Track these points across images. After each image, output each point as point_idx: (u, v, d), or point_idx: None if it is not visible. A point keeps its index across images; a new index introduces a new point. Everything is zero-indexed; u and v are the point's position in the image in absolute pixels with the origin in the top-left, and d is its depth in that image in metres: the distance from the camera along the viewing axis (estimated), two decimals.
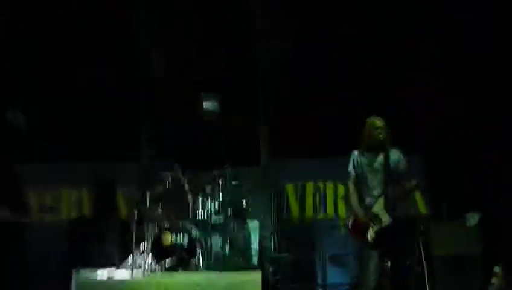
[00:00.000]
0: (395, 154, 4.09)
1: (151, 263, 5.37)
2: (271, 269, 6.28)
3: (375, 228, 3.90)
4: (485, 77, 6.36)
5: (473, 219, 5.56)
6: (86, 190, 7.10)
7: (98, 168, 7.00)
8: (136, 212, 5.98)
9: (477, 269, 5.28)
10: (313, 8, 6.81)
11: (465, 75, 6.49)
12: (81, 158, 6.98)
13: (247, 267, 5.54)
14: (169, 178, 5.82)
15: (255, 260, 6.25)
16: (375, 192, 4.02)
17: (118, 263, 5.45)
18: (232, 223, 5.84)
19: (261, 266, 6.03)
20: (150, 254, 5.42)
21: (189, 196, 5.96)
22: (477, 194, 6.06)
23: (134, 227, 5.70)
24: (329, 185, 7.21)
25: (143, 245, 5.60)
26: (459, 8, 6.29)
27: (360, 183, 4.12)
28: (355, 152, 4.19)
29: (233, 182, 6.20)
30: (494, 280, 5.14)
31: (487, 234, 5.42)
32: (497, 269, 5.20)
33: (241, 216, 6.17)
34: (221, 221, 5.78)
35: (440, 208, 6.11)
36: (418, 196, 6.86)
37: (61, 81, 6.97)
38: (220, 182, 5.94)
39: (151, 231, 5.65)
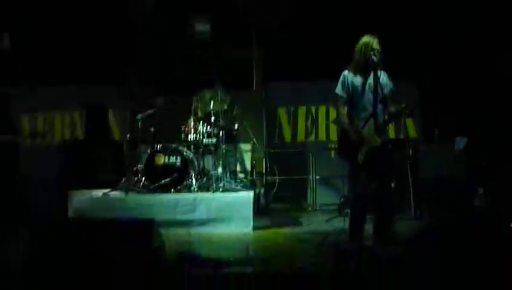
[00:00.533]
0: (384, 77, 4.03)
1: (145, 182, 5.49)
2: (262, 190, 6.44)
3: (365, 148, 3.92)
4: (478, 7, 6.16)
5: (461, 142, 5.64)
6: (79, 113, 7.08)
7: (90, 91, 6.93)
8: (128, 135, 6.05)
9: (463, 190, 5.44)
10: None
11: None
12: (73, 81, 6.90)
13: (239, 188, 5.68)
14: (161, 101, 5.78)
15: (246, 181, 6.42)
16: (364, 113, 4.00)
17: (113, 184, 5.57)
18: (224, 145, 5.90)
19: (252, 187, 6.19)
20: (143, 174, 5.53)
21: (182, 118, 5.97)
22: (466, 120, 6.10)
23: (127, 149, 5.78)
24: (322, 109, 7.22)
25: (136, 166, 5.71)
26: None
27: (350, 104, 4.09)
28: (346, 72, 4.10)
29: (226, 105, 6.20)
30: (476, 201, 5.32)
31: (472, 157, 5.52)
32: (480, 190, 5.37)
33: (233, 139, 6.23)
34: (214, 143, 5.84)
35: (430, 132, 6.17)
36: (408, 120, 6.92)
37: (53, 5, 6.71)
38: (212, 105, 5.93)
39: (144, 152, 5.72)
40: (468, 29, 6.35)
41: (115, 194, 5.38)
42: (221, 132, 5.84)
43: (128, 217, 4.72)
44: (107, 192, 5.38)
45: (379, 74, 3.98)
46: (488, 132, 5.77)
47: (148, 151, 5.61)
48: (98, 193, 5.37)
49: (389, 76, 4.08)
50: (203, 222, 5.03)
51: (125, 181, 5.54)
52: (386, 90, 3.96)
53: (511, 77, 5.92)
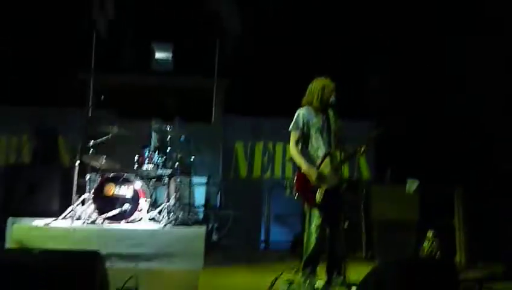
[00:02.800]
0: (338, 117, 4.12)
1: (92, 213, 5.24)
2: (215, 225, 6.31)
3: (322, 189, 3.95)
4: (432, 49, 6.50)
5: (412, 185, 5.78)
6: (26, 136, 6.76)
7: (40, 114, 6.66)
8: (78, 162, 5.81)
9: (412, 232, 5.54)
10: None
11: (412, 45, 6.61)
12: (22, 103, 6.62)
13: (192, 222, 5.54)
14: (115, 128, 5.61)
15: (199, 215, 6.28)
16: (320, 152, 4.05)
17: (57, 213, 5.28)
18: (179, 177, 5.77)
19: (205, 221, 6.05)
20: (91, 204, 5.29)
21: (137, 148, 5.81)
22: (417, 163, 6.29)
23: (76, 176, 5.53)
24: (279, 146, 7.26)
25: (84, 195, 5.46)
26: None
27: (305, 142, 4.12)
28: (303, 110, 4.16)
29: (183, 136, 6.11)
30: (425, 244, 5.42)
31: (423, 200, 5.67)
32: (429, 233, 5.48)
33: (188, 171, 6.12)
34: (168, 175, 5.70)
35: (383, 173, 6.31)
36: (362, 160, 7.06)
37: (7, 24, 6.50)
38: (169, 136, 5.83)
39: (93, 181, 5.49)
40: (420, 70, 6.63)
41: (59, 224, 5.10)
42: (176, 164, 5.72)
43: (71, 249, 4.44)
44: (51, 221, 5.08)
45: (334, 113, 4.08)
46: (441, 174, 5.95)
47: (98, 179, 5.39)
48: (40, 222, 5.07)
49: (340, 116, 4.18)
50: (151, 257, 4.83)
51: (71, 211, 5.27)
52: (340, 130, 4.05)
53: (462, 119, 6.17)
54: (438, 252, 5.33)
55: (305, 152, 4.10)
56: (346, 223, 4.70)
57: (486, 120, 5.92)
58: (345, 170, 3.99)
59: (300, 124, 4.10)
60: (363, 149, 4.02)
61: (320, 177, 3.98)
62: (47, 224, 5.03)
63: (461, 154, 6.02)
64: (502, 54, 5.89)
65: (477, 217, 5.30)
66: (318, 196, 3.95)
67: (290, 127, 4.14)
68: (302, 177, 4.07)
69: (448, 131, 6.31)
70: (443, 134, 6.37)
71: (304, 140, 4.12)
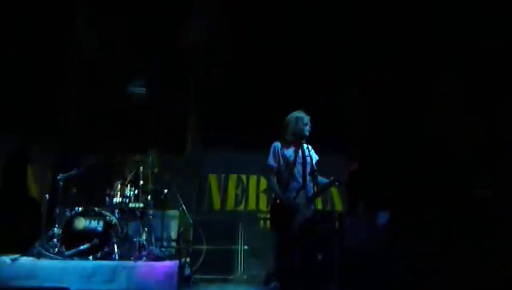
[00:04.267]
0: (311, 150, 4.21)
1: (60, 248, 5.08)
2: (188, 260, 6.21)
3: (298, 220, 3.97)
4: (406, 80, 6.73)
5: (384, 217, 5.87)
6: None
7: (10, 144, 6.50)
8: (47, 194, 5.67)
9: (385, 264, 5.58)
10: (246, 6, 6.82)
11: (386, 76, 6.84)
12: None
13: (164, 257, 5.44)
14: (87, 161, 5.54)
15: (172, 249, 6.17)
16: (295, 185, 4.10)
17: (25, 248, 5.10)
18: (151, 211, 5.69)
19: (178, 256, 5.95)
20: (60, 238, 5.14)
21: (107, 181, 5.72)
22: (389, 195, 6.42)
23: (44, 209, 5.39)
24: (252, 178, 7.29)
25: (52, 229, 5.30)
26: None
27: (280, 175, 4.17)
28: (277, 144, 4.23)
29: (155, 169, 6.06)
30: (400, 275, 5.47)
31: (395, 232, 5.75)
32: (402, 264, 5.54)
33: (161, 204, 6.05)
34: (140, 208, 5.62)
35: (355, 205, 6.40)
36: (334, 192, 7.16)
37: None
38: (142, 169, 5.77)
39: (62, 214, 5.35)
40: (393, 103, 6.83)
41: (26, 259, 4.91)
42: (149, 197, 5.65)
43: (39, 287, 4.28)
44: (17, 257, 4.89)
45: (308, 146, 4.16)
46: (411, 206, 6.07)
47: (68, 213, 5.26)
48: (6, 258, 4.88)
49: (315, 147, 4.27)
50: None
51: (38, 245, 5.10)
52: (314, 162, 4.12)
53: (434, 151, 6.34)
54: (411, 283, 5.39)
55: (281, 185, 4.14)
56: (320, 256, 4.74)
57: (457, 147, 6.09)
58: (318, 203, 4.07)
59: (276, 157, 4.16)
60: (335, 181, 4.09)
61: (295, 209, 4.01)
62: (13, 259, 4.84)
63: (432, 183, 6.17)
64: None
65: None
66: (294, 227, 3.97)
67: (267, 160, 4.20)
68: (278, 209, 4.10)
69: (420, 161, 6.47)
70: (415, 165, 6.54)
71: (280, 173, 4.17)
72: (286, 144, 4.21)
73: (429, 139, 6.34)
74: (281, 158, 4.17)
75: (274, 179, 4.17)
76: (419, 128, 6.54)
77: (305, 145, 4.17)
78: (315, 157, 4.24)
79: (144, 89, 7.02)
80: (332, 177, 4.11)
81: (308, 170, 4.08)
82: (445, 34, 6.21)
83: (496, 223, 5.19)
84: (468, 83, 5.94)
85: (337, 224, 5.93)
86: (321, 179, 4.14)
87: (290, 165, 4.14)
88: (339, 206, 7.25)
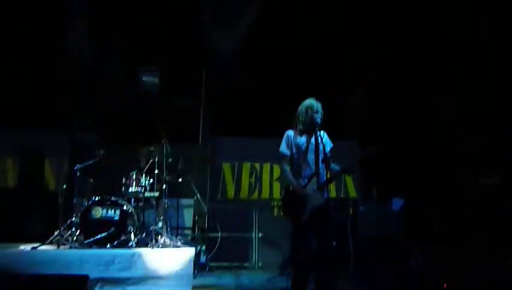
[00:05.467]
0: (324, 137, 4.21)
1: (79, 236, 5.19)
2: (203, 248, 6.28)
3: (309, 207, 4.00)
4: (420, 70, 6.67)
5: (398, 203, 5.87)
6: (12, 160, 6.70)
7: (26, 137, 6.62)
8: (65, 185, 5.77)
9: (398, 250, 5.59)
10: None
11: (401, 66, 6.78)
12: (8, 126, 6.58)
13: (179, 244, 5.51)
14: (102, 151, 5.61)
15: (187, 237, 6.24)
16: (308, 172, 4.12)
17: (44, 237, 5.21)
18: (166, 200, 5.76)
19: (193, 243, 6.02)
20: (78, 227, 5.24)
21: (124, 170, 5.80)
22: (403, 182, 6.39)
23: (62, 200, 5.49)
24: (266, 166, 7.31)
25: (71, 219, 5.41)
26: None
27: (293, 163, 4.20)
28: (290, 132, 4.26)
29: (170, 159, 6.11)
30: (412, 261, 5.48)
31: (409, 218, 5.75)
32: (416, 251, 5.55)
33: (176, 193, 6.11)
34: (156, 197, 5.69)
35: (369, 191, 6.39)
36: (349, 179, 7.14)
37: None
38: (156, 158, 5.83)
39: (80, 204, 5.45)
40: (406, 90, 6.78)
41: (46, 248, 5.03)
42: (164, 186, 5.72)
43: (59, 274, 4.38)
44: (37, 246, 5.01)
45: (321, 134, 4.16)
46: (425, 193, 6.05)
47: (85, 203, 5.35)
48: (27, 247, 5.00)
49: (328, 135, 4.26)
50: (140, 280, 4.77)
51: (57, 235, 5.21)
52: (327, 150, 4.12)
53: (450, 141, 6.31)
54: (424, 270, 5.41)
55: (294, 172, 4.17)
56: (334, 243, 4.76)
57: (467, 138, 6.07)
58: (332, 189, 4.08)
59: (289, 145, 4.19)
60: (348, 168, 4.10)
61: (308, 196, 4.03)
62: (34, 248, 4.96)
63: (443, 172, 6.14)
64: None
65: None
66: (305, 215, 4.00)
67: (280, 148, 4.23)
68: (289, 197, 4.12)
69: (433, 149, 6.43)
70: (427, 152, 6.50)
71: (293, 160, 4.19)
72: (299, 132, 4.22)
73: (440, 126, 6.30)
74: (293, 146, 4.19)
75: (287, 167, 4.20)
76: (431, 116, 6.49)
77: (319, 133, 4.16)
78: (329, 144, 4.24)
79: (157, 79, 7.04)
80: (344, 165, 4.11)
81: (320, 157, 4.08)
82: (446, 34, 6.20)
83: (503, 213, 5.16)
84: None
85: (351, 211, 5.95)
86: (334, 165, 4.14)
87: (302, 153, 4.15)
88: (352, 193, 7.23)
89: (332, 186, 4.19)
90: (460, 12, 5.97)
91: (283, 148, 4.22)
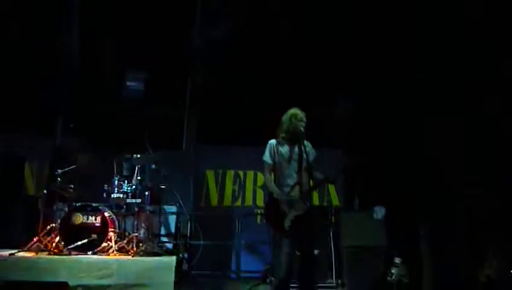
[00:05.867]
0: (308, 146, 4.24)
1: (59, 243, 5.12)
2: (186, 255, 6.24)
3: (292, 215, 4.01)
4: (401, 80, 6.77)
5: (380, 212, 5.92)
6: None
7: (6, 141, 6.52)
8: (45, 190, 5.69)
9: (380, 259, 5.64)
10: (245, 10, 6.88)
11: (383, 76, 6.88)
12: None
13: (161, 252, 5.47)
14: (84, 158, 5.55)
15: (170, 245, 6.20)
16: (290, 181, 4.14)
17: (23, 243, 5.13)
18: (149, 206, 5.72)
19: (175, 251, 5.98)
20: (58, 233, 5.17)
21: (105, 177, 5.75)
22: (384, 191, 6.45)
23: (42, 205, 5.42)
24: (249, 174, 7.32)
25: (50, 225, 5.33)
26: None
27: (276, 172, 4.21)
28: (273, 141, 4.28)
29: (153, 166, 6.08)
30: (393, 270, 5.53)
31: (390, 227, 5.80)
32: (397, 260, 5.60)
33: (158, 200, 6.07)
34: (138, 203, 5.65)
35: (351, 200, 6.43)
36: (331, 188, 7.19)
37: None
38: (139, 165, 5.80)
39: (60, 210, 5.38)
40: (391, 100, 6.87)
41: (24, 255, 4.94)
42: (146, 192, 5.68)
43: (38, 281, 4.30)
44: (15, 252, 4.92)
45: (304, 143, 4.19)
46: (407, 202, 6.11)
47: (66, 209, 5.28)
48: (4, 253, 4.91)
49: (312, 144, 4.30)
50: (120, 288, 4.71)
51: (37, 241, 5.13)
52: (310, 159, 4.15)
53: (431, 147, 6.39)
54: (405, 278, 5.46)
55: (277, 180, 4.19)
56: (317, 251, 4.78)
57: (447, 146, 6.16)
58: (315, 198, 4.10)
59: (272, 154, 4.21)
60: (330, 176, 4.14)
61: (290, 204, 4.05)
62: (11, 254, 4.87)
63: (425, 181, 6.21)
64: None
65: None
66: (287, 222, 4.01)
67: (263, 156, 4.25)
68: (272, 205, 4.14)
69: (414, 157, 6.51)
70: (409, 161, 6.57)
71: (276, 169, 4.21)
72: (282, 141, 4.25)
73: (423, 136, 6.39)
74: (276, 155, 4.21)
75: (269, 176, 4.22)
76: (415, 126, 6.58)
77: (301, 141, 4.19)
78: (313, 153, 4.27)
79: (142, 84, 7.02)
80: (327, 174, 4.15)
81: (303, 166, 4.11)
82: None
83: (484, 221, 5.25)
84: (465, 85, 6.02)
85: (333, 219, 5.98)
86: (318, 174, 4.17)
87: (285, 161, 4.18)
88: (335, 201, 7.28)
89: (315, 195, 4.22)
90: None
91: (266, 157, 4.24)
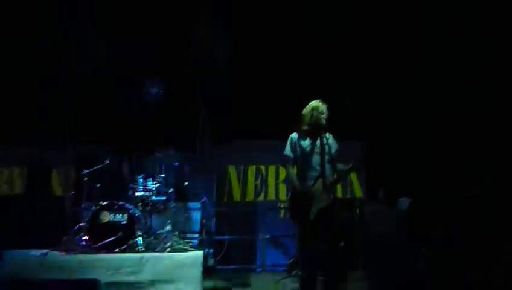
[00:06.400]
0: (330, 138, 4.21)
1: (87, 241, 5.22)
2: (211, 251, 6.31)
3: (315, 208, 4.01)
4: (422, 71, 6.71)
5: (404, 203, 5.87)
6: (19, 169, 6.77)
7: (33, 149, 6.72)
8: (73, 191, 5.81)
9: (405, 250, 5.59)
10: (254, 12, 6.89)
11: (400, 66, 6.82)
12: (14, 139, 6.68)
13: (187, 248, 5.53)
14: (109, 159, 5.65)
15: (195, 241, 6.27)
16: (313, 174, 4.12)
17: (53, 243, 5.25)
18: (174, 204, 5.79)
19: (201, 247, 6.05)
20: (86, 232, 5.27)
21: (130, 176, 5.83)
22: (409, 181, 6.39)
23: (69, 205, 5.53)
24: (271, 168, 7.32)
25: (79, 224, 5.44)
26: None
27: (298, 165, 4.20)
28: (294, 135, 4.26)
29: (176, 163, 6.15)
30: (420, 261, 5.48)
31: (415, 218, 5.74)
32: (423, 251, 5.54)
33: (183, 197, 6.14)
34: (163, 201, 5.72)
35: (375, 192, 6.39)
36: (355, 179, 7.14)
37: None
38: (163, 163, 5.87)
39: (88, 209, 5.49)
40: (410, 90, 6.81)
41: (55, 254, 5.06)
42: (170, 190, 5.74)
43: (70, 279, 4.41)
44: (46, 252, 5.05)
45: (326, 135, 4.16)
46: (431, 191, 6.05)
47: (93, 208, 5.39)
48: (36, 252, 5.04)
49: (334, 136, 4.27)
50: (149, 284, 4.80)
51: (66, 240, 5.24)
52: (333, 151, 4.13)
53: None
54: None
55: (299, 174, 4.18)
56: (342, 243, 4.76)
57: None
58: (338, 190, 4.09)
59: (293, 148, 4.20)
60: (354, 167, 4.11)
61: (313, 197, 4.04)
62: (43, 254, 4.99)
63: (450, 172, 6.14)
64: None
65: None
66: (311, 215, 4.01)
67: (284, 150, 4.24)
68: (296, 198, 4.13)
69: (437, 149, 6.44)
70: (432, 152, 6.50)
71: (298, 162, 4.20)
72: (304, 134, 4.23)
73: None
74: (298, 148, 4.19)
75: (291, 169, 4.21)
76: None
77: (323, 134, 4.16)
78: (335, 145, 4.24)
79: (161, 88, 7.11)
80: (350, 164, 4.12)
81: (326, 158, 4.09)
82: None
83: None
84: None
85: (358, 211, 5.96)
86: (340, 166, 4.15)
87: (307, 155, 4.16)
88: (359, 193, 7.22)
89: (338, 187, 4.20)
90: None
91: (287, 151, 4.23)
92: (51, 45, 6.77)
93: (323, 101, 4.24)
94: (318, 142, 4.16)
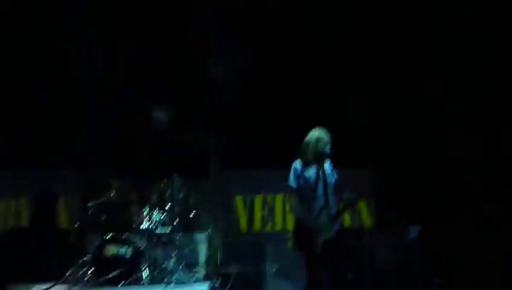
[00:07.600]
0: (331, 167, 4.16)
1: (92, 275, 5.15)
2: (218, 283, 6.19)
3: (321, 239, 3.94)
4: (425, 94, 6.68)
5: (414, 231, 5.75)
6: (25, 199, 6.76)
7: (39, 177, 6.70)
8: (77, 223, 5.79)
9: (417, 280, 5.44)
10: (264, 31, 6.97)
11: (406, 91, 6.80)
12: (20, 167, 6.67)
13: (194, 281, 5.44)
14: (114, 188, 5.63)
15: (201, 273, 6.17)
16: (318, 204, 4.06)
17: (57, 277, 5.19)
18: (179, 235, 5.72)
19: (208, 279, 5.94)
20: (91, 266, 5.21)
21: (135, 207, 5.80)
22: (418, 209, 6.27)
23: (74, 238, 5.49)
24: (278, 198, 7.24)
25: (83, 258, 5.39)
26: None
27: (301, 195, 4.14)
28: (297, 164, 4.21)
29: (181, 194, 6.11)
30: None
31: (426, 246, 5.62)
32: (436, 280, 5.39)
33: (188, 228, 6.08)
34: (168, 233, 5.66)
35: (384, 220, 6.27)
36: (363, 208, 7.02)
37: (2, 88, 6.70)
38: (168, 193, 5.84)
39: (93, 242, 5.44)
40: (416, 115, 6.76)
41: (59, 288, 4.99)
42: (176, 221, 5.69)
43: None
44: (50, 287, 4.99)
45: (328, 164, 4.13)
46: (441, 219, 5.93)
47: (97, 241, 5.34)
48: (40, 287, 4.98)
49: (334, 165, 4.22)
50: None
51: (70, 274, 5.18)
52: (336, 180, 4.08)
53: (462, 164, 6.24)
54: None
55: (303, 204, 4.12)
56: (350, 275, 4.66)
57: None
58: (346, 218, 4.01)
59: (296, 177, 4.15)
60: (355, 196, 4.06)
61: (318, 230, 3.98)
62: (47, 289, 4.93)
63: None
64: None
65: None
66: (317, 247, 3.94)
67: (288, 181, 4.20)
68: (301, 230, 4.07)
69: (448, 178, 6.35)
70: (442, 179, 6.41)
71: (302, 192, 4.14)
72: (307, 164, 4.18)
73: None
74: (301, 178, 4.14)
75: (295, 200, 4.15)
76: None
77: (326, 163, 4.13)
78: (336, 174, 4.19)
79: (167, 115, 7.13)
80: (354, 195, 4.07)
81: (330, 188, 4.04)
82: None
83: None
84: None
85: (366, 241, 5.84)
86: (346, 195, 4.09)
87: (311, 185, 4.11)
88: (367, 221, 7.10)
89: (346, 216, 4.14)
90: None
91: (291, 181, 4.18)
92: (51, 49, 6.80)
93: (328, 131, 4.21)
94: (321, 171, 4.12)
